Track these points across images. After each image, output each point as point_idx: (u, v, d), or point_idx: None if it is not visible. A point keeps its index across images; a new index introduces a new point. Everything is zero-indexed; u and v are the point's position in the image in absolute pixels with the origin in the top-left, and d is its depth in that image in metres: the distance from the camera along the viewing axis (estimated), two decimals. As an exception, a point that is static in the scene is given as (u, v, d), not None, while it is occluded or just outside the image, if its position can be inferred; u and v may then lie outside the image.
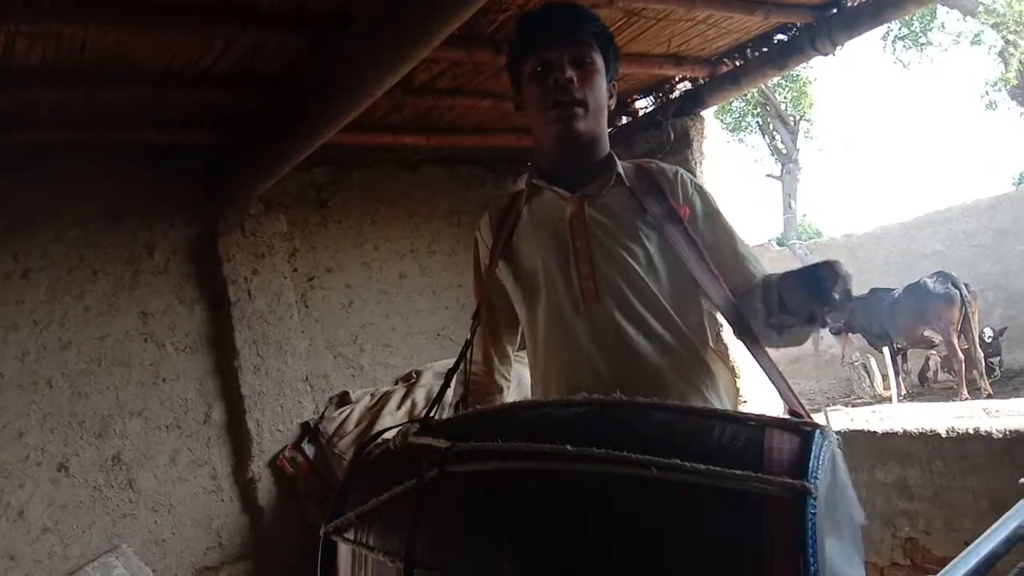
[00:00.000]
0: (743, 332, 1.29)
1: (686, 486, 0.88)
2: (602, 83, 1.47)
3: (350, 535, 1.12)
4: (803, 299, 1.20)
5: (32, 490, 3.13)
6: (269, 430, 3.59)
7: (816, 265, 1.19)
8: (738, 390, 3.60)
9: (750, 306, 1.36)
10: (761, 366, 1.24)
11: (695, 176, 3.76)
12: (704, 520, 0.88)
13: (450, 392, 1.53)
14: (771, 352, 1.27)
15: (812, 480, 0.85)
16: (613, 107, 1.53)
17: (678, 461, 0.88)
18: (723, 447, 0.92)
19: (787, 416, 1.07)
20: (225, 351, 3.59)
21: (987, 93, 17.26)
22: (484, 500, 1.00)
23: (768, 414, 1.02)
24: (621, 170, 1.50)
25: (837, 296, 1.15)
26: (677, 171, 1.54)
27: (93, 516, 3.23)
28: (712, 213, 1.51)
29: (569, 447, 0.94)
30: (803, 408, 1.12)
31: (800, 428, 0.95)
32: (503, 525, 0.96)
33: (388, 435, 1.23)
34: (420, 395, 3.70)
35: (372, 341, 4.09)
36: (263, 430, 3.57)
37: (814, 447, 0.90)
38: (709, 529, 0.87)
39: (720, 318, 1.34)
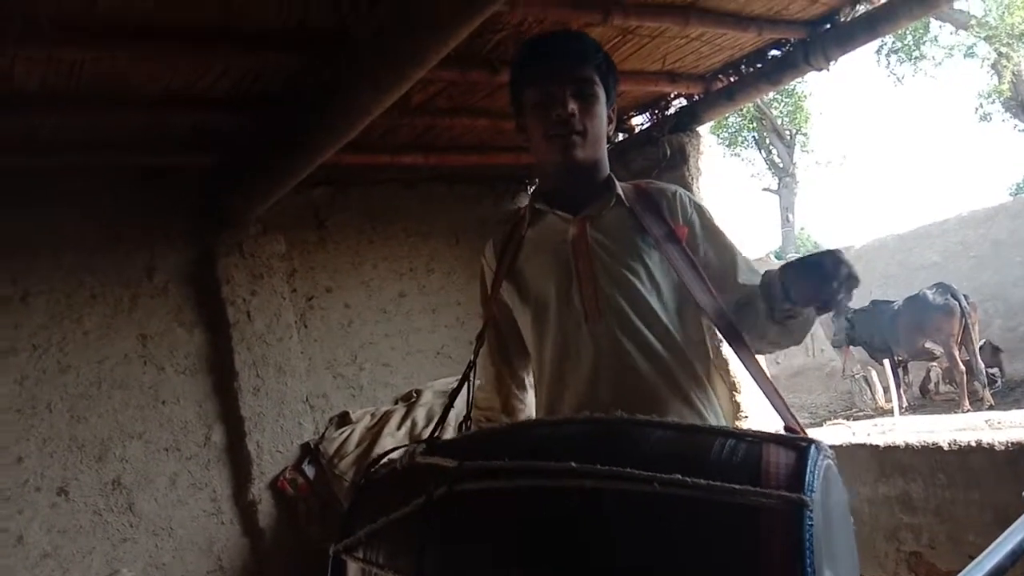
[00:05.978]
0: (737, 343, 1.31)
1: (687, 500, 0.91)
2: (602, 111, 1.51)
3: (359, 554, 1.14)
4: (811, 288, 1.21)
5: (31, 515, 3.11)
6: (269, 451, 3.58)
7: (819, 255, 1.21)
8: (737, 405, 3.61)
9: (753, 311, 1.37)
10: (756, 380, 1.25)
11: (692, 192, 3.80)
12: (705, 533, 0.91)
13: (453, 412, 1.53)
14: (770, 367, 1.28)
15: (808, 493, 0.89)
16: (613, 131, 1.56)
17: (679, 476, 0.91)
18: (722, 462, 0.95)
19: (783, 432, 1.09)
20: (224, 373, 3.58)
21: (981, 105, 17.42)
22: (492, 517, 1.03)
23: (765, 430, 1.04)
24: (620, 191, 1.53)
25: (844, 282, 1.17)
26: (676, 191, 1.57)
27: (93, 541, 3.21)
28: (711, 230, 1.54)
29: (574, 464, 0.96)
30: (797, 422, 1.14)
31: (796, 443, 0.98)
32: (511, 542, 0.99)
33: (394, 455, 1.25)
34: (420, 414, 3.68)
35: (372, 360, 4.08)
36: (263, 452, 3.56)
37: (810, 461, 0.93)
38: (710, 542, 0.90)
39: (717, 333, 1.36)
